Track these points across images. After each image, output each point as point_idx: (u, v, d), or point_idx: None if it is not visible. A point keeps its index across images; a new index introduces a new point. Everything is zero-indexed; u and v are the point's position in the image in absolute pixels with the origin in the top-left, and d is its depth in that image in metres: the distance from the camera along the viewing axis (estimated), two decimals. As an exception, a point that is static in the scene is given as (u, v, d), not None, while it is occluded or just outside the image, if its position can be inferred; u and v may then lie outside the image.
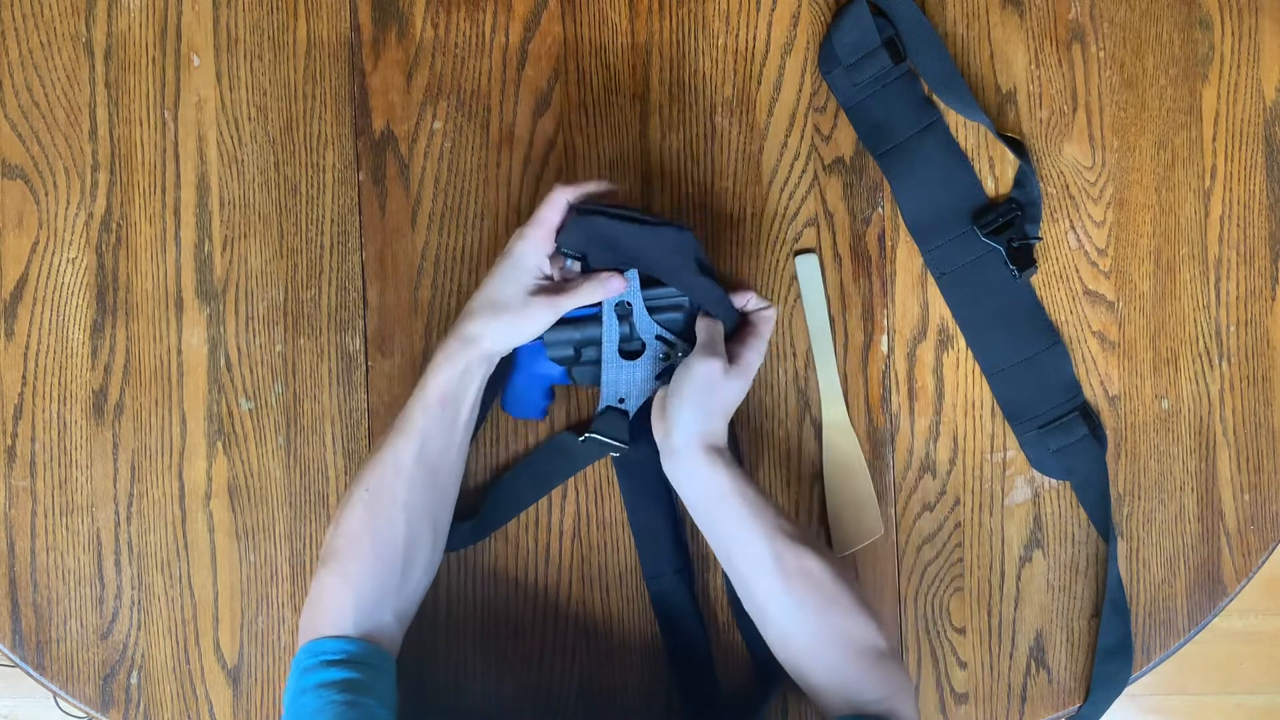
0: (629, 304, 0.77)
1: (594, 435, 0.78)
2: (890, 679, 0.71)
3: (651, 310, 0.77)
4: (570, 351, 0.78)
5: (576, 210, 0.75)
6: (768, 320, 0.77)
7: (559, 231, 0.75)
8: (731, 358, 0.75)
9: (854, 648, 0.71)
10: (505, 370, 0.80)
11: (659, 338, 0.77)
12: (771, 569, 0.72)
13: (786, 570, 0.71)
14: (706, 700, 0.82)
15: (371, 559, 0.71)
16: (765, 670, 0.82)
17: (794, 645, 0.72)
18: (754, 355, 0.76)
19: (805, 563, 0.72)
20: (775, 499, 0.81)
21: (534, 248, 0.74)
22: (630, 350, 0.78)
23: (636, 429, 0.79)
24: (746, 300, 0.78)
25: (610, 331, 0.77)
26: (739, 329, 0.78)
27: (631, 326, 0.77)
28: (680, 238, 0.75)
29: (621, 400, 0.78)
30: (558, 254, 0.76)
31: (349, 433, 0.84)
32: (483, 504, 0.83)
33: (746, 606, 0.75)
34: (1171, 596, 0.86)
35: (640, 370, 0.78)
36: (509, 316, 0.73)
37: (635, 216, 0.75)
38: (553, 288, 0.75)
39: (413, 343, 0.84)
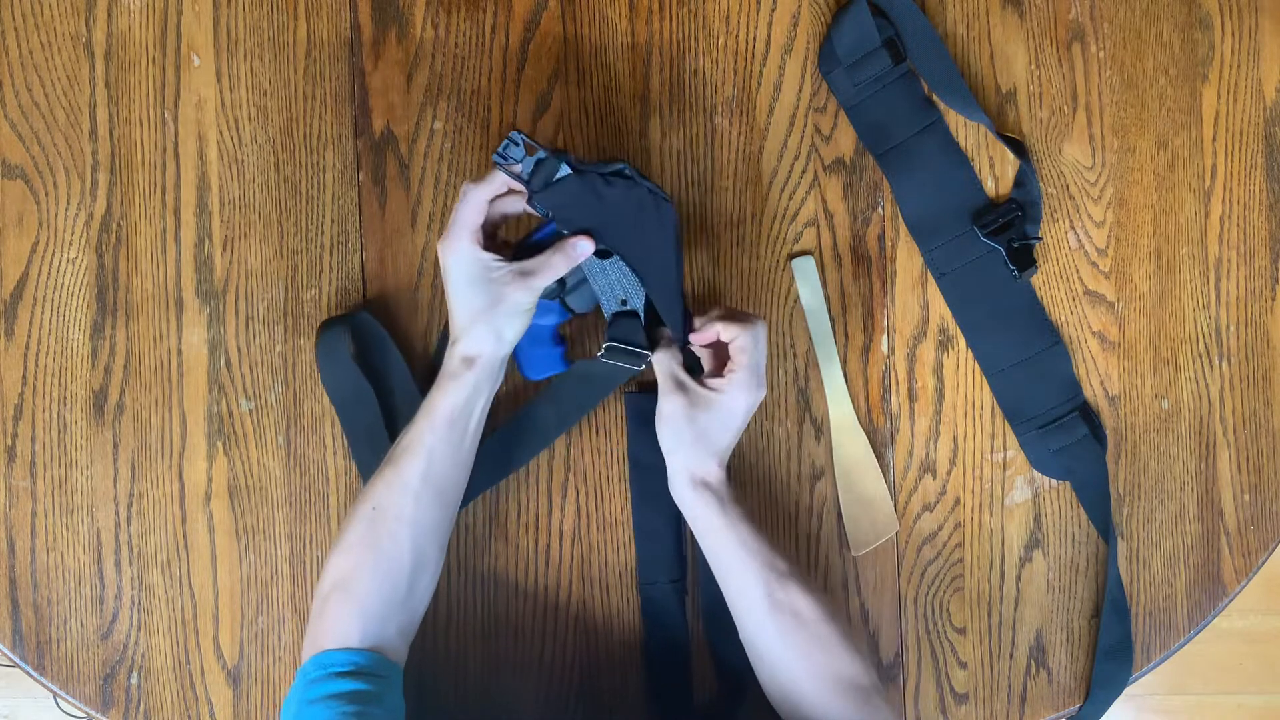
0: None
1: (613, 343, 0.77)
2: (876, 716, 0.71)
3: None
4: (554, 283, 0.76)
5: (556, 162, 0.72)
6: (742, 350, 0.74)
7: (531, 194, 0.73)
8: (708, 388, 0.74)
9: (840, 686, 0.71)
10: None
11: None
12: (759, 606, 0.73)
13: (775, 607, 0.72)
14: (679, 708, 0.82)
15: (377, 577, 0.71)
16: (731, 685, 0.82)
17: (782, 680, 0.73)
18: (733, 389, 0.74)
19: (794, 600, 0.72)
20: (768, 531, 0.77)
21: (464, 249, 0.73)
22: (602, 250, 0.75)
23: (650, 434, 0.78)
24: (715, 333, 0.75)
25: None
26: (721, 361, 0.77)
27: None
28: (661, 212, 0.74)
29: (624, 302, 0.77)
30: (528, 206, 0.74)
31: (349, 433, 0.84)
32: (502, 445, 0.81)
33: (742, 637, 0.75)
34: (1171, 596, 0.86)
35: (621, 264, 0.76)
36: (494, 317, 0.73)
37: (618, 172, 0.73)
38: (519, 269, 0.73)
39: (413, 343, 0.84)
